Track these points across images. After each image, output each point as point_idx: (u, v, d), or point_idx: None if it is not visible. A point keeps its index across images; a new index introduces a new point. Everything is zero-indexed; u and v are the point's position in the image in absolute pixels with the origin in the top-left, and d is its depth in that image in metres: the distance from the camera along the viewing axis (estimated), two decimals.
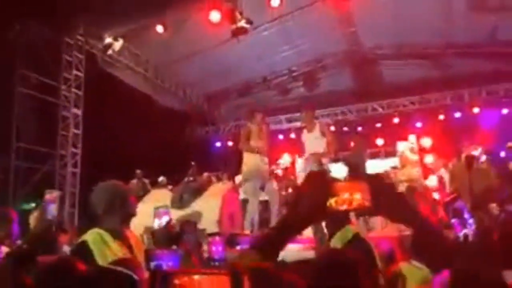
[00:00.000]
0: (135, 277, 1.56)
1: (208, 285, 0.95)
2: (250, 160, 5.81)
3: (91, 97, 9.54)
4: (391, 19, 9.54)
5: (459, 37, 10.18)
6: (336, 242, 2.29)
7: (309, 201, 1.29)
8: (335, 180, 1.94)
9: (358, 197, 1.34)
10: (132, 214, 2.66)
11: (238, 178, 9.04)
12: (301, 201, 1.31)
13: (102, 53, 9.51)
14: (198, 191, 6.53)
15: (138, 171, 8.88)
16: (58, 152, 9.22)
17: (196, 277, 0.97)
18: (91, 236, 2.48)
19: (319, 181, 1.32)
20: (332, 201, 1.32)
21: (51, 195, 2.78)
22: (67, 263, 1.78)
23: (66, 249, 6.14)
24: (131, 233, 2.66)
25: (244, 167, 5.84)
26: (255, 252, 1.24)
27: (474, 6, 8.89)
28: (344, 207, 1.43)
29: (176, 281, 0.97)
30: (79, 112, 9.52)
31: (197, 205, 6.08)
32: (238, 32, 8.71)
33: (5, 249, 3.35)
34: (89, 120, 9.59)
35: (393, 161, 10.57)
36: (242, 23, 8.50)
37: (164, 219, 4.62)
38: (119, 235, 2.53)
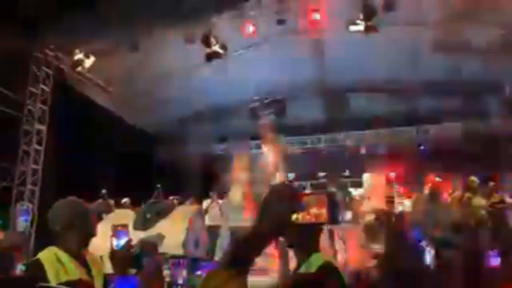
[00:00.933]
0: None
1: None
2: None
3: (57, 113, 9.27)
4: (360, 53, 9.83)
5: (426, 74, 10.55)
6: (306, 269, 2.23)
7: (274, 213, 1.25)
8: (299, 193, 1.92)
9: (323, 212, 1.32)
10: (92, 234, 2.54)
11: (206, 203, 8.92)
12: (265, 213, 1.26)
13: (71, 69, 9.31)
14: (162, 213, 6.37)
15: (103, 191, 8.62)
16: (19, 168, 8.86)
17: None
18: (46, 254, 2.36)
19: (283, 193, 1.28)
20: (299, 216, 1.30)
21: (21, 205, 2.61)
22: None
23: (20, 267, 5.82)
24: (90, 254, 2.53)
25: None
26: (223, 272, 1.18)
27: (439, 47, 9.28)
28: (311, 221, 1.40)
29: None
30: (43, 127, 9.22)
31: (161, 227, 5.90)
32: (212, 56, 8.74)
33: None
34: (53, 137, 9.28)
35: (359, 191, 10.68)
36: (216, 48, 8.55)
37: (123, 240, 4.43)
38: (76, 255, 2.41)
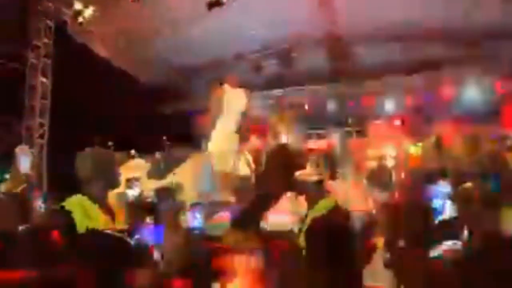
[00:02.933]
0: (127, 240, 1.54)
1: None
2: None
3: (61, 67, 9.21)
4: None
5: (433, 21, 10.30)
6: (315, 212, 2.31)
7: (276, 173, 1.30)
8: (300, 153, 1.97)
9: (321, 169, 1.36)
10: (117, 183, 2.61)
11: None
12: (268, 175, 1.32)
13: (72, 20, 9.15)
14: (176, 161, 6.41)
15: (110, 143, 8.70)
16: (24, 123, 8.92)
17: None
18: (73, 202, 2.43)
19: (283, 154, 1.32)
20: (301, 173, 1.33)
21: (21, 148, 2.65)
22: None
23: (41, 206, 6.09)
24: (113, 201, 2.62)
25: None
26: (236, 230, 1.24)
27: None
28: (311, 179, 1.43)
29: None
30: (47, 80, 9.19)
31: (178, 175, 5.92)
32: (214, 5, 8.54)
33: None
34: (58, 91, 9.28)
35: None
36: None
37: (137, 190, 4.56)
38: (102, 203, 2.49)
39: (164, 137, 8.20)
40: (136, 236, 2.01)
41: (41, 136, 9.09)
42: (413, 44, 10.86)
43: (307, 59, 12.17)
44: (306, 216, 2.44)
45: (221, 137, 5.61)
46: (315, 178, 1.28)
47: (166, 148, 7.33)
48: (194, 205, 2.41)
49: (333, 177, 2.32)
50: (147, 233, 1.84)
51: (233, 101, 5.68)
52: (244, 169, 8.14)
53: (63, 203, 2.46)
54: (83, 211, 2.37)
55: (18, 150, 3.24)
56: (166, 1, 8.98)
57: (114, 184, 2.61)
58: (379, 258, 1.45)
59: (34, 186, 5.88)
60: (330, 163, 2.17)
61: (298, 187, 2.24)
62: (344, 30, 11.39)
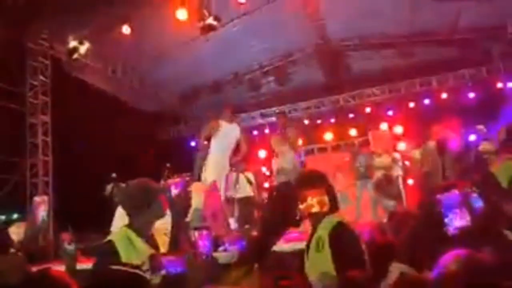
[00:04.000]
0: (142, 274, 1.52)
1: None
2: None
3: (59, 103, 9.30)
4: (356, 11, 9.66)
5: (424, 26, 10.40)
6: (321, 231, 2.29)
7: (279, 211, 1.31)
8: (300, 188, 1.99)
9: (325, 199, 1.38)
10: (161, 215, 2.57)
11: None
12: (272, 212, 1.33)
13: (67, 57, 9.26)
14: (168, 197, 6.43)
15: (113, 175, 8.69)
16: (28, 161, 8.96)
17: None
18: (118, 236, 2.40)
19: (286, 192, 1.35)
20: (301, 207, 1.36)
21: (41, 198, 2.65)
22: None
23: (69, 248, 6.16)
24: (156, 232, 2.58)
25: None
26: (240, 267, 1.24)
27: None
28: (315, 210, 1.44)
29: None
30: (47, 118, 9.26)
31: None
32: (207, 30, 8.63)
33: None
34: (59, 127, 9.34)
35: (367, 150, 10.69)
36: (210, 20, 8.44)
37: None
38: (147, 236, 2.46)
39: (168, 164, 8.20)
40: (162, 271, 1.95)
41: (46, 174, 9.12)
42: (406, 49, 10.93)
43: (303, 74, 12.27)
44: (311, 234, 2.42)
45: (214, 168, 5.87)
46: (317, 210, 1.28)
47: (167, 175, 7.33)
48: (199, 229, 2.39)
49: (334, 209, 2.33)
50: (174, 265, 1.80)
51: (228, 135, 5.99)
52: (246, 189, 8.17)
53: (110, 237, 2.44)
54: (129, 244, 2.35)
55: (37, 199, 3.23)
56: (159, 28, 9.07)
57: (159, 216, 2.57)
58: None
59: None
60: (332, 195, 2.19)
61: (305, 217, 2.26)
62: (335, 42, 11.51)
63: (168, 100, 12.78)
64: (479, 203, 1.37)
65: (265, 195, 9.10)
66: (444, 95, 11.84)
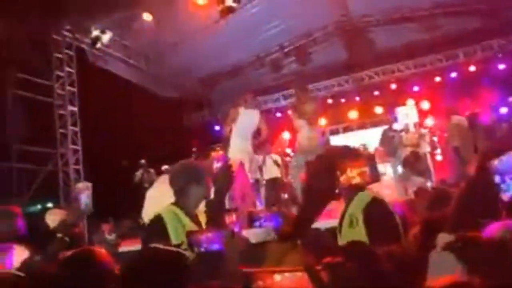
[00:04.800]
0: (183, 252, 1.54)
1: (288, 284, 0.92)
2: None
3: (86, 93, 9.46)
4: None
5: None
6: (354, 209, 2.28)
7: (320, 184, 1.29)
8: (341, 158, 1.96)
9: (366, 170, 1.35)
10: (207, 195, 2.65)
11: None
12: (313, 186, 1.30)
13: (91, 48, 9.38)
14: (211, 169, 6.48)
15: (142, 161, 8.84)
16: (59, 151, 9.18)
17: (277, 277, 0.93)
18: (166, 212, 2.48)
19: (326, 162, 1.31)
20: (342, 179, 1.33)
21: (83, 183, 2.73)
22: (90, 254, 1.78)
23: (110, 237, 6.52)
24: (200, 213, 2.65)
25: None
26: (283, 244, 1.25)
27: None
28: (355, 182, 1.42)
29: (260, 283, 0.94)
30: (75, 109, 9.45)
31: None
32: (226, 12, 8.59)
33: (17, 249, 3.30)
34: (86, 116, 9.53)
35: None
36: (230, 2, 8.39)
37: None
38: (192, 213, 2.54)
39: (194, 149, 8.29)
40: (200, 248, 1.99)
41: (76, 162, 9.34)
42: (428, 22, 10.62)
43: (325, 53, 12.10)
44: (344, 211, 2.41)
45: (237, 152, 5.91)
46: (358, 181, 1.26)
47: (196, 158, 7.44)
48: (228, 211, 2.42)
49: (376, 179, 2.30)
50: (212, 241, 1.83)
51: (247, 122, 6.02)
52: (273, 170, 8.18)
53: (159, 213, 2.52)
54: (176, 220, 2.44)
55: (79, 185, 3.33)
56: (179, 14, 9.06)
57: (203, 197, 2.66)
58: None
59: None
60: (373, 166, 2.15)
61: (347, 191, 2.24)
62: (356, 19, 11.29)
63: (190, 85, 12.82)
64: None
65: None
66: (472, 68, 11.50)
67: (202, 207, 2.73)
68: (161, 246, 1.60)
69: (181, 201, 2.56)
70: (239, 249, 1.63)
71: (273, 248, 1.22)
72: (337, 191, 1.27)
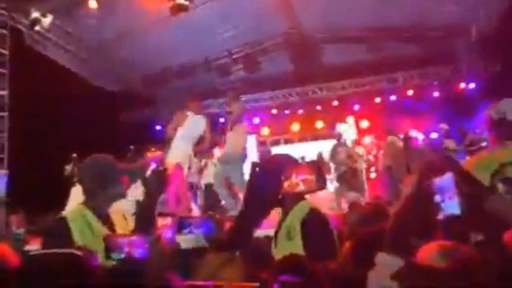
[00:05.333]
0: (78, 254, 1.41)
1: None
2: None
3: (18, 77, 8.83)
4: (331, 2, 9.65)
5: (393, 20, 10.50)
6: (292, 219, 2.23)
7: (264, 189, 1.21)
8: (287, 163, 1.91)
9: (311, 178, 1.30)
10: (121, 195, 2.42)
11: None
12: (255, 191, 1.22)
13: (29, 29, 8.81)
14: (144, 170, 6.25)
15: (73, 155, 8.38)
16: None
17: None
18: (72, 213, 2.25)
19: (272, 166, 1.24)
20: (285, 185, 1.28)
21: None
22: None
23: (18, 231, 5.93)
24: (114, 213, 2.43)
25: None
26: (218, 254, 1.15)
27: None
28: (300, 189, 1.38)
29: None
30: (4, 92, 8.79)
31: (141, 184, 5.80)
32: (177, 9, 8.41)
33: None
34: (16, 102, 8.88)
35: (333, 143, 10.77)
36: (181, 0, 8.23)
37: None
38: (102, 214, 2.32)
39: (131, 147, 7.99)
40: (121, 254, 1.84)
41: (1, 150, 8.68)
42: (377, 44, 11.02)
43: (273, 63, 12.19)
44: (281, 221, 2.35)
45: (177, 154, 5.97)
46: (302, 188, 1.21)
47: (131, 155, 7.17)
48: (163, 215, 2.29)
49: (322, 187, 2.26)
50: (135, 245, 1.68)
51: (193, 127, 6.11)
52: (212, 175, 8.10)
53: (64, 214, 2.30)
54: (83, 222, 2.24)
55: None
56: (128, 5, 8.75)
57: (118, 194, 2.43)
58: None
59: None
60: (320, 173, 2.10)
61: (286, 199, 2.19)
62: (306, 33, 11.48)
63: (134, 81, 12.41)
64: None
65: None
66: (409, 92, 12.08)
67: (127, 207, 2.56)
68: (56, 250, 1.45)
69: (90, 200, 2.36)
70: (165, 255, 1.52)
71: (209, 258, 1.12)
72: (280, 197, 1.20)
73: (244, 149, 6.45)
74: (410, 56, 11.42)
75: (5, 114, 8.76)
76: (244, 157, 6.26)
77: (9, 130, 8.79)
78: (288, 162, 1.75)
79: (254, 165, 1.26)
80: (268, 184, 1.22)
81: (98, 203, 2.36)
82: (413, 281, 1.15)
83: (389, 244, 1.40)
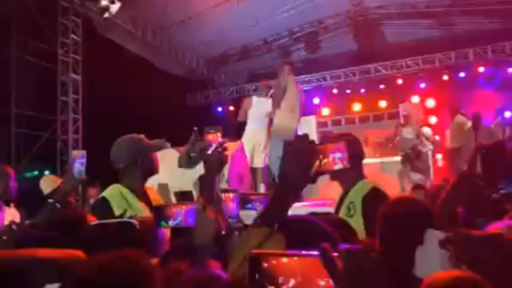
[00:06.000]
0: (136, 224, 1.51)
1: (298, 267, 0.85)
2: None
3: (90, 62, 9.36)
4: None
5: None
6: (353, 197, 2.24)
7: (296, 168, 1.23)
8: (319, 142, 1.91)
9: (343, 155, 1.30)
10: (154, 171, 2.56)
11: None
12: (289, 169, 1.25)
13: (98, 17, 9.25)
14: (205, 150, 6.45)
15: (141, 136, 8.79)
16: (59, 118, 9.14)
17: (284, 260, 0.86)
18: (111, 192, 2.42)
19: (303, 145, 1.25)
20: (318, 163, 1.28)
21: (78, 151, 2.69)
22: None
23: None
24: (151, 190, 2.58)
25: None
26: (259, 230, 1.19)
27: None
28: (337, 167, 1.39)
29: (265, 264, 0.87)
30: (78, 77, 9.36)
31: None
32: None
33: (8, 210, 3.28)
34: (88, 86, 9.45)
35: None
36: None
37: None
38: (139, 191, 2.46)
39: (195, 128, 8.21)
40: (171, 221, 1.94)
41: (76, 131, 9.30)
42: (445, 19, 10.46)
43: (334, 42, 11.96)
44: (342, 197, 2.37)
45: (248, 137, 6.28)
46: (339, 167, 1.21)
47: (196, 136, 7.40)
48: (226, 191, 2.36)
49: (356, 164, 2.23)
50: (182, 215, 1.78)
51: (259, 109, 6.33)
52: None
53: (103, 194, 2.45)
54: (121, 199, 2.37)
55: (75, 152, 3.29)
56: None
57: (151, 173, 2.55)
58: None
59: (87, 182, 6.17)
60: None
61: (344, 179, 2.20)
62: (370, 9, 11.13)
63: (197, 64, 12.70)
64: None
65: None
66: (481, 69, 11.35)
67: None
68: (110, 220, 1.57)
69: (125, 179, 2.47)
70: (212, 226, 1.59)
71: (251, 233, 1.16)
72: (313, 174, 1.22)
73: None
74: (482, 31, 10.72)
75: (79, 97, 9.35)
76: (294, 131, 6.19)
77: (83, 112, 9.38)
78: (322, 140, 1.75)
79: (286, 143, 1.28)
80: (300, 161, 1.23)
81: (133, 181, 2.46)
82: (466, 249, 1.13)
83: (440, 219, 1.38)
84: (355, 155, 2.23)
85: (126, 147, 2.53)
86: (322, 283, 0.81)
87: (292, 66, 6.91)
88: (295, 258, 0.86)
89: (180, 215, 1.73)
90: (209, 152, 1.93)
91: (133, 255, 1.01)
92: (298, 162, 1.25)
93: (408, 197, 1.95)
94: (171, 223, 1.73)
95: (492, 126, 7.76)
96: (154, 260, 1.39)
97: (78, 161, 2.40)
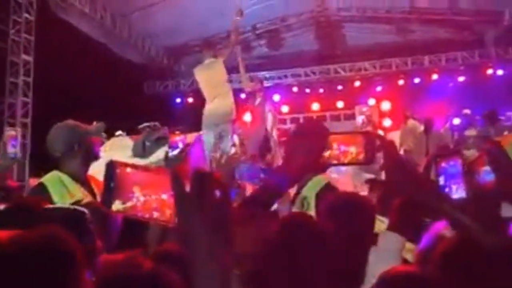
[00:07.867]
0: (86, 212, 1.46)
1: (147, 180, 0.90)
2: None
3: (43, 44, 8.93)
4: None
5: (423, 3, 10.25)
6: (308, 191, 2.25)
7: (304, 154, 1.20)
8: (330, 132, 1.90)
9: (353, 150, 1.28)
10: (92, 157, 2.47)
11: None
12: (295, 153, 1.22)
13: None
14: (161, 140, 6.30)
15: (94, 123, 8.49)
16: (7, 100, 8.68)
17: (129, 170, 0.92)
18: (49, 178, 2.32)
19: (314, 131, 1.22)
20: (325, 154, 1.26)
21: (12, 130, 2.52)
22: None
23: None
24: (92, 177, 2.49)
25: None
26: (245, 210, 1.17)
27: None
28: (339, 160, 1.38)
29: (117, 170, 0.91)
30: (30, 58, 8.92)
31: (161, 154, 5.86)
32: None
33: None
34: (41, 68, 9.00)
35: (352, 124, 10.69)
36: None
37: None
38: (79, 178, 2.37)
39: (156, 123, 8.03)
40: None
41: (25, 115, 8.87)
42: (404, 26, 10.79)
43: (296, 41, 12.05)
44: (296, 193, 2.38)
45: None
46: (345, 161, 1.20)
47: (152, 126, 7.22)
48: None
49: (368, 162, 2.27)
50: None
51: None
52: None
53: (41, 180, 2.36)
54: (61, 186, 2.29)
55: (8, 133, 3.09)
56: None
57: (91, 158, 2.47)
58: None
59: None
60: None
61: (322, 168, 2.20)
62: (332, 11, 11.29)
63: (156, 53, 12.43)
64: (489, 176, 1.29)
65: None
66: (434, 76, 11.81)
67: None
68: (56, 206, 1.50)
69: (65, 167, 2.40)
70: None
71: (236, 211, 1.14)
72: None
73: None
74: (438, 38, 11.15)
75: (30, 79, 8.92)
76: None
77: (33, 95, 8.96)
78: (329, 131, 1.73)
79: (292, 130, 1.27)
80: (305, 149, 1.21)
81: (73, 168, 2.39)
82: None
83: (395, 222, 1.40)
84: (370, 152, 2.22)
85: (60, 135, 2.44)
86: (164, 196, 0.88)
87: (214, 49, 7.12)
88: (146, 172, 0.92)
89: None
90: (173, 153, 1.90)
91: (57, 233, 0.98)
92: (302, 152, 1.22)
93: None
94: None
95: (442, 131, 8.09)
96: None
97: (10, 141, 2.27)
